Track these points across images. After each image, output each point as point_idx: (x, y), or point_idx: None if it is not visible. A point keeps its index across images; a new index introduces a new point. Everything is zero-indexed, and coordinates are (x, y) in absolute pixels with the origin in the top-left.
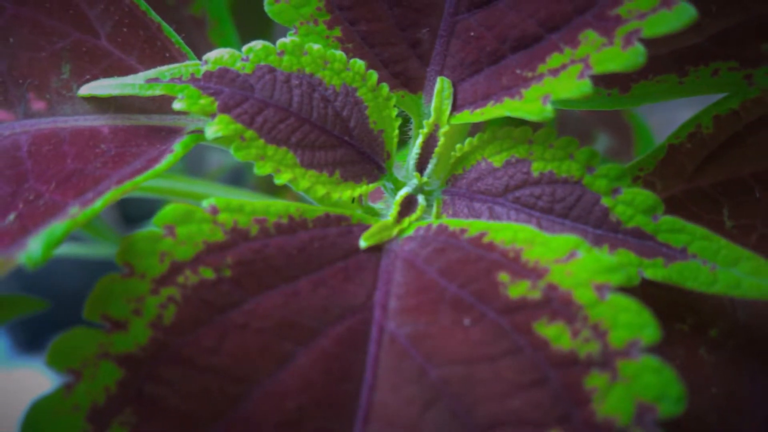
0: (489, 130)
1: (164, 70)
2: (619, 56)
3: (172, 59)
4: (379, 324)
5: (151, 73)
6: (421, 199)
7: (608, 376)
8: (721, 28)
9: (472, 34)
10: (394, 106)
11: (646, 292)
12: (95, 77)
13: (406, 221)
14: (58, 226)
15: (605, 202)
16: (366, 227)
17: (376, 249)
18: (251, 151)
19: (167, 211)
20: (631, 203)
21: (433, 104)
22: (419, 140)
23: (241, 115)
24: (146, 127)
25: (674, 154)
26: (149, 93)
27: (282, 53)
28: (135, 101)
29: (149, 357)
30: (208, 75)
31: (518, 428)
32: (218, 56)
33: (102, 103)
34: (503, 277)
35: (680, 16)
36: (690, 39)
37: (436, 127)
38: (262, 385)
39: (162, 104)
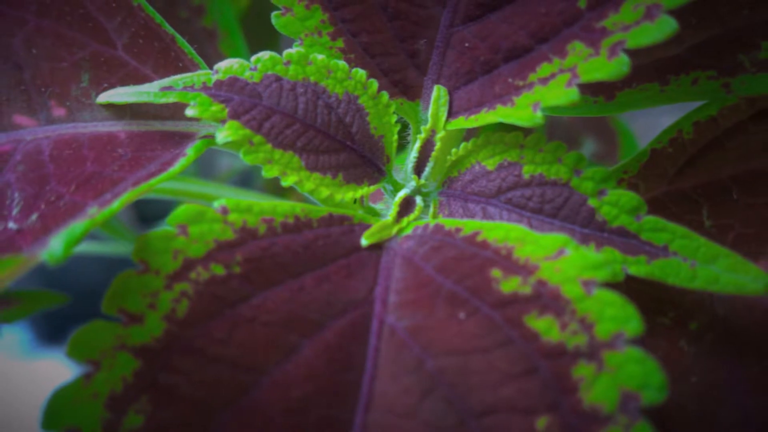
0: (483, 135)
1: (177, 79)
2: (604, 66)
3: (185, 69)
4: (380, 317)
5: (165, 81)
6: (418, 200)
7: (595, 366)
8: (701, 39)
9: (466, 45)
10: (394, 112)
11: (630, 287)
12: (113, 85)
13: (405, 221)
14: (77, 225)
15: (592, 202)
16: (367, 226)
17: (377, 247)
18: (259, 155)
19: (180, 212)
20: (616, 204)
21: (430, 111)
22: (417, 145)
23: (250, 121)
24: (160, 132)
25: (656, 157)
26: (163, 100)
27: (288, 63)
28: (150, 108)
29: (164, 348)
30: (219, 83)
31: (510, 415)
32: (228, 66)
33: (119, 110)
34: (496, 273)
35: (662, 29)
36: (671, 49)
37: (433, 132)
38: (269, 375)
39: (175, 111)
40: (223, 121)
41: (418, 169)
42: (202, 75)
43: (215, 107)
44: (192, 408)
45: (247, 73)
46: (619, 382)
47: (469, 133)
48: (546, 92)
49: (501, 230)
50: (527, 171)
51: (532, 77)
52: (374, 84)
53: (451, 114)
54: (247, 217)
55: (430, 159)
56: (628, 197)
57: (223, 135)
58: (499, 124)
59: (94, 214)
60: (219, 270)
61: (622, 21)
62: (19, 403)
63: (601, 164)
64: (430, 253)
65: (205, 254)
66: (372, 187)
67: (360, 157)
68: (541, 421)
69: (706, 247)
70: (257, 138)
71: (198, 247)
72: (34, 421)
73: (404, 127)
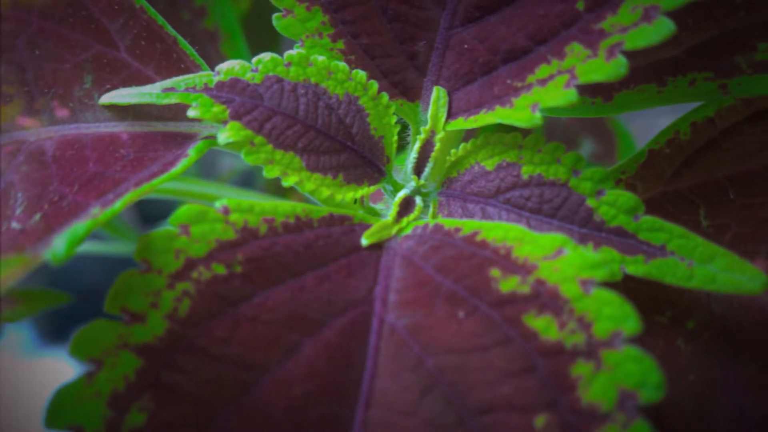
0: (482, 136)
1: (179, 80)
2: (602, 67)
3: (187, 70)
4: (380, 316)
5: (168, 83)
6: (418, 200)
7: (593, 365)
8: (698, 41)
9: (465, 46)
10: (394, 113)
11: (627, 286)
12: (115, 87)
13: (405, 221)
14: (80, 225)
15: (590, 203)
16: (367, 226)
17: (377, 247)
18: (260, 155)
19: (182, 212)
20: (614, 204)
21: (430, 112)
22: (417, 145)
23: (251, 122)
24: (162, 133)
25: (654, 158)
26: (165, 101)
27: (289, 64)
28: (152, 109)
29: (166, 347)
30: (221, 85)
31: (508, 413)
32: (230, 67)
33: (121, 111)
34: (495, 272)
35: (660, 30)
36: (669, 51)
37: (433, 133)
38: (271, 373)
39: (177, 112)
40: (224, 122)
41: (418, 170)
42: (203, 76)
43: (217, 108)
44: (194, 406)
45: (249, 75)
46: (617, 381)
47: (469, 134)
48: (544, 93)
49: (500, 230)
50: (526, 171)
51: (531, 78)
52: (374, 85)
53: (451, 115)
54: (249, 217)
55: (430, 159)
56: (626, 197)
57: (225, 136)
58: (498, 125)
59: (97, 214)
60: (220, 269)
61: (620, 23)
62: (23, 402)
63: (600, 165)
64: (430, 252)
65: (206, 254)
66: (372, 188)
67: (360, 157)
68: (540, 420)
69: (703, 247)
70: (258, 139)
71: (200, 247)
72: (37, 420)
73: (404, 127)
